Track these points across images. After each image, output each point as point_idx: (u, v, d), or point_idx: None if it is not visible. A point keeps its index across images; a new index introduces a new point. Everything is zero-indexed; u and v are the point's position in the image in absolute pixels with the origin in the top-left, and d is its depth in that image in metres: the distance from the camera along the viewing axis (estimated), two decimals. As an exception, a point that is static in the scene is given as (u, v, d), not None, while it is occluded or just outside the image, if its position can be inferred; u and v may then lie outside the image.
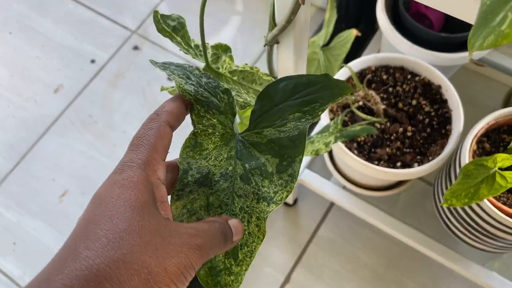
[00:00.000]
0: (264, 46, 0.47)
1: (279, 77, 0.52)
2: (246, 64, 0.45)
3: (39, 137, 1.10)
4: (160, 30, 0.44)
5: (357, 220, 0.93)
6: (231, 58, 0.46)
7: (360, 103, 0.74)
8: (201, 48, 0.44)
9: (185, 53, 0.44)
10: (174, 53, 1.16)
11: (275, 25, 0.44)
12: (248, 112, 0.73)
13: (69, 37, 1.21)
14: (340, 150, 0.72)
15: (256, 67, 0.45)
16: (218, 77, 0.45)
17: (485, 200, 0.67)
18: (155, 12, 0.44)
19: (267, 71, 0.50)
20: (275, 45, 0.47)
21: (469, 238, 0.75)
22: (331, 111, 0.75)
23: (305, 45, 0.48)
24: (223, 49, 0.46)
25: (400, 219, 0.83)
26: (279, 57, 0.49)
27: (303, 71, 0.53)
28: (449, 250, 0.80)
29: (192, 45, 0.45)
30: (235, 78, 0.45)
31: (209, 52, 0.45)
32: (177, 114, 0.34)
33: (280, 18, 0.43)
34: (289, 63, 0.49)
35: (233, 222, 0.33)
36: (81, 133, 1.10)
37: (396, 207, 0.94)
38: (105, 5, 1.25)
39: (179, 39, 0.44)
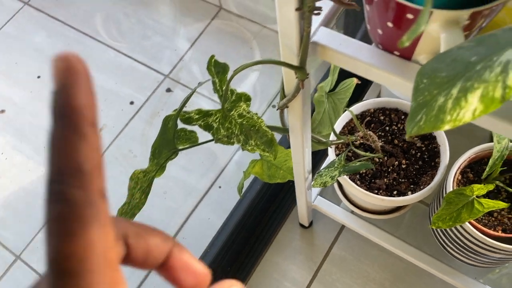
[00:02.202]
0: (277, 109, 0.62)
1: (290, 130, 0.67)
2: (256, 113, 0.58)
3: (87, 170, 1.26)
4: (208, 69, 0.57)
5: (365, 240, 1.06)
6: (247, 105, 0.59)
7: (362, 140, 0.88)
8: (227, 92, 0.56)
9: (214, 92, 0.58)
10: (201, 93, 1.32)
11: (284, 96, 0.59)
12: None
13: (110, 82, 1.38)
14: (345, 181, 0.86)
15: (261, 119, 0.58)
16: (226, 118, 0.57)
17: (467, 223, 0.79)
18: (212, 56, 0.57)
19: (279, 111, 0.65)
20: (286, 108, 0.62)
21: (460, 255, 0.88)
22: (336, 147, 0.89)
23: (308, 109, 0.62)
24: (245, 98, 0.59)
25: (403, 239, 0.96)
26: (289, 118, 0.64)
27: (308, 124, 0.67)
28: (445, 266, 0.93)
29: (222, 88, 0.58)
30: (239, 120, 0.57)
31: (233, 97, 0.58)
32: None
33: (288, 91, 0.57)
34: (297, 122, 0.63)
35: None
36: (123, 166, 1.25)
37: (400, 227, 1.07)
38: (142, 53, 1.42)
39: (217, 80, 0.58)
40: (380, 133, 0.91)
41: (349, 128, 0.91)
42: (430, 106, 0.35)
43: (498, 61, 0.29)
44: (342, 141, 0.82)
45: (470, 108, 0.31)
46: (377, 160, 0.88)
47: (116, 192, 1.21)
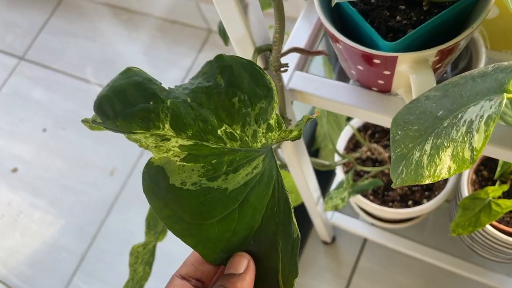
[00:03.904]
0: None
1: (288, 166, 0.66)
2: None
3: (105, 217, 1.27)
4: None
5: (391, 247, 1.04)
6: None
7: (368, 153, 0.86)
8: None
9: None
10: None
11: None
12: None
13: (114, 124, 1.39)
14: (358, 199, 0.84)
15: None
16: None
17: (488, 226, 0.77)
18: None
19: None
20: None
21: (488, 254, 0.85)
22: (344, 165, 0.87)
23: (301, 144, 0.61)
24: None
25: (429, 243, 0.94)
26: (284, 156, 0.62)
27: (305, 157, 0.65)
28: (475, 266, 0.90)
29: None
30: None
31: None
32: (192, 261, 0.35)
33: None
34: (293, 158, 0.62)
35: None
36: (139, 208, 1.25)
37: (425, 230, 1.04)
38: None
39: None
40: (386, 141, 0.88)
41: (353, 143, 0.89)
42: (408, 159, 0.33)
43: (463, 120, 0.27)
44: (346, 160, 0.80)
45: (445, 166, 0.29)
46: (387, 171, 0.86)
47: (137, 234, 1.21)
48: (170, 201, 0.33)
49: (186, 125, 0.32)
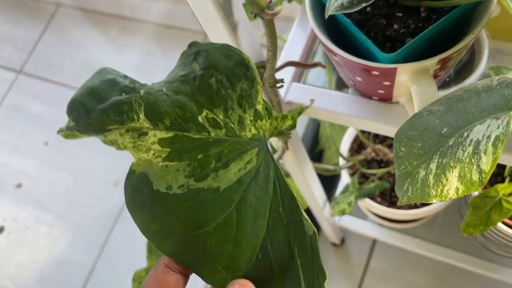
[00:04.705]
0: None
1: (291, 175, 0.64)
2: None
3: (111, 228, 1.26)
4: None
5: (402, 247, 1.02)
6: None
7: (373, 154, 0.84)
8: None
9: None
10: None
11: (274, 150, 0.56)
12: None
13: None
14: (365, 202, 0.82)
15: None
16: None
17: (500, 224, 0.75)
18: None
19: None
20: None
21: (501, 250, 0.83)
22: (349, 167, 0.86)
23: (302, 153, 0.59)
24: None
25: (439, 241, 0.92)
26: (286, 166, 0.61)
27: (308, 166, 0.64)
28: (488, 263, 0.88)
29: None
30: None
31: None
32: None
33: (277, 147, 0.54)
34: (295, 168, 0.60)
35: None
36: (145, 217, 1.24)
37: (434, 228, 1.02)
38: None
39: None
40: (391, 141, 0.86)
41: (357, 144, 0.87)
42: (414, 177, 0.32)
43: (469, 139, 0.26)
44: (351, 163, 0.79)
45: (452, 187, 0.28)
46: (393, 171, 0.84)
47: (141, 242, 1.20)
48: (157, 212, 0.29)
49: (162, 114, 0.29)
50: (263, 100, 0.30)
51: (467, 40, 0.33)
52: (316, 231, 0.31)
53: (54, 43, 1.59)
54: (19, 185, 1.38)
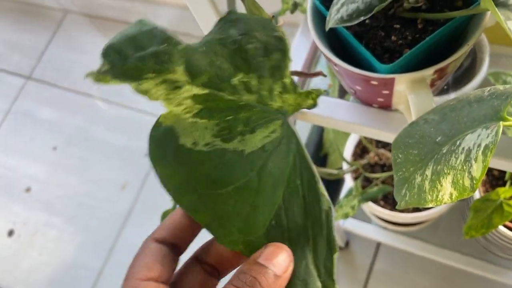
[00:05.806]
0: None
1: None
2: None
3: (120, 231, 1.28)
4: None
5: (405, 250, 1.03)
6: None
7: (376, 158, 0.86)
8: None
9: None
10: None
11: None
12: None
13: (122, 138, 1.40)
14: (368, 206, 0.83)
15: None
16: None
17: (501, 227, 0.76)
18: None
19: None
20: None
21: (504, 253, 0.84)
22: (353, 171, 0.87)
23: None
24: None
25: (443, 243, 0.93)
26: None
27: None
28: (492, 266, 0.89)
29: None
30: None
31: None
32: (168, 226, 0.32)
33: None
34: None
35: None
36: (153, 220, 1.26)
37: (439, 230, 1.03)
38: (143, 102, 1.42)
39: None
40: (394, 145, 0.88)
41: (360, 148, 0.88)
42: (411, 183, 0.33)
43: (461, 147, 0.27)
44: (354, 167, 0.80)
45: (446, 192, 0.29)
46: (396, 175, 0.85)
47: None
48: (180, 166, 0.29)
49: (201, 70, 0.30)
50: (290, 76, 0.31)
51: (462, 51, 0.35)
52: (332, 207, 0.31)
53: (62, 49, 1.61)
54: (28, 189, 1.40)
